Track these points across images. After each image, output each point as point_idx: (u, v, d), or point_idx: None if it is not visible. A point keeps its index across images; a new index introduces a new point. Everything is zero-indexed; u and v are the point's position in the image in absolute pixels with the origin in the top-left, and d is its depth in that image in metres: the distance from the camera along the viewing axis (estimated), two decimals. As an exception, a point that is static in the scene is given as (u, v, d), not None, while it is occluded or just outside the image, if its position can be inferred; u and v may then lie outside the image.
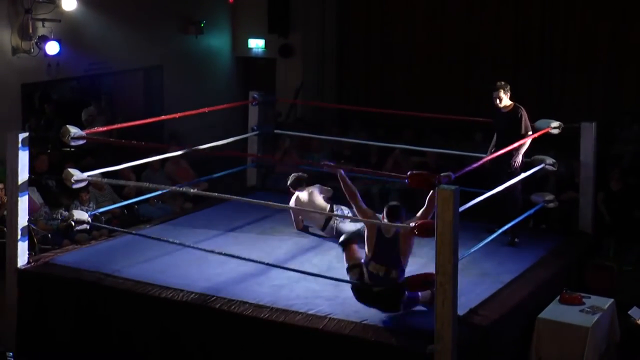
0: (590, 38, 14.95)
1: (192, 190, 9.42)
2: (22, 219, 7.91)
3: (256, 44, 16.99)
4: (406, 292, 6.87)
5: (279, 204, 8.68)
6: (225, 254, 7.69)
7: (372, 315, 6.88)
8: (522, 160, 8.76)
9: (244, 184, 11.14)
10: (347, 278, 7.13)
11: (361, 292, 6.99)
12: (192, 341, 7.22)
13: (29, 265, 7.98)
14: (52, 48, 12.46)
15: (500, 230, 8.01)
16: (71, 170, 8.11)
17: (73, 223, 8.18)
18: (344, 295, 7.25)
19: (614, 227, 11.04)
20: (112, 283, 7.62)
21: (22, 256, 7.96)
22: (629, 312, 8.29)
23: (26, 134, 7.86)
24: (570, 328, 7.47)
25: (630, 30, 14.62)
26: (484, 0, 15.74)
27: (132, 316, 7.50)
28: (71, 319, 7.74)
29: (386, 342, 6.51)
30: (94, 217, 8.79)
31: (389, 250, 6.92)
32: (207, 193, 9.05)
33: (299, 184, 9.16)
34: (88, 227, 8.80)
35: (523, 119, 8.69)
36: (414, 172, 6.68)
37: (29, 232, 8.12)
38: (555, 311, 7.68)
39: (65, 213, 10.00)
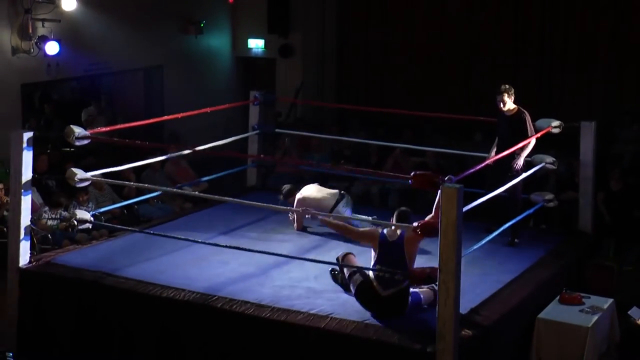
0: (590, 38, 14.96)
1: (193, 192, 9.44)
2: (25, 219, 7.92)
3: (256, 44, 16.99)
4: (410, 299, 6.89)
5: (285, 207, 8.87)
6: (234, 247, 7.79)
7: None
8: (523, 163, 8.75)
9: (244, 184, 11.16)
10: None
11: (367, 297, 6.97)
12: (194, 340, 7.23)
13: (30, 265, 7.99)
14: (52, 48, 12.46)
15: (498, 231, 8.00)
16: (74, 170, 8.12)
17: (75, 222, 8.17)
18: (345, 295, 7.28)
19: (614, 227, 11.05)
20: (113, 283, 7.63)
21: (24, 256, 7.97)
22: (629, 312, 8.30)
23: (31, 134, 7.86)
24: (570, 328, 7.48)
25: (630, 30, 14.64)
26: (484, 0, 15.76)
27: (133, 316, 7.50)
28: (72, 319, 7.74)
29: (387, 341, 6.52)
30: (94, 217, 8.78)
31: (394, 254, 6.92)
32: (206, 195, 9.08)
33: (291, 194, 9.26)
34: (90, 227, 8.80)
35: (527, 123, 8.67)
36: (418, 172, 6.70)
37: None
38: (555, 311, 7.70)
39: (65, 213, 10.00)
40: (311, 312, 6.94)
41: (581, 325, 7.47)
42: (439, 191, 6.34)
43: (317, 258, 7.73)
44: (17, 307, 7.94)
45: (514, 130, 8.62)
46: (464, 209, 6.41)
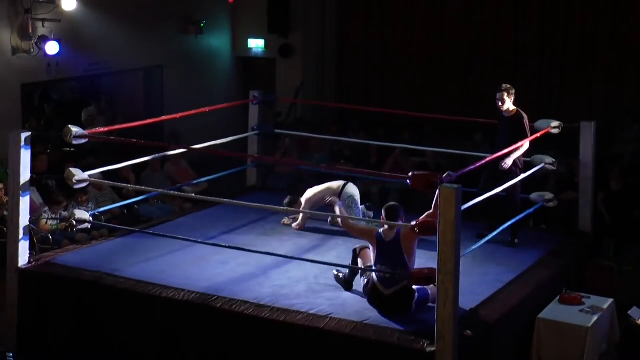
0: (590, 38, 14.98)
1: (190, 194, 9.46)
2: (24, 219, 7.91)
3: (256, 44, 16.99)
4: (417, 295, 6.90)
5: (289, 209, 8.91)
6: (233, 247, 7.81)
7: (373, 314, 6.88)
8: (521, 163, 8.72)
9: (244, 184, 11.15)
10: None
11: (373, 296, 7.03)
12: (193, 340, 7.22)
13: (29, 265, 7.98)
14: (52, 48, 12.47)
15: (493, 234, 7.97)
16: (73, 170, 8.12)
17: (74, 222, 8.17)
18: (345, 295, 7.28)
19: (614, 227, 11.05)
20: (113, 283, 7.62)
21: (24, 256, 7.96)
22: (629, 312, 8.30)
23: (29, 133, 7.85)
24: (570, 328, 7.47)
25: (630, 30, 14.65)
26: (484, 0, 15.76)
27: (132, 316, 7.50)
28: (72, 319, 7.74)
29: (387, 341, 6.51)
30: (94, 217, 8.78)
31: (392, 252, 6.93)
32: (205, 197, 9.08)
33: (294, 203, 9.23)
34: (89, 227, 8.80)
35: (525, 125, 8.63)
36: (416, 173, 6.68)
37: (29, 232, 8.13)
38: (555, 311, 7.69)
39: (65, 213, 10.00)
40: (311, 312, 6.93)
41: (581, 325, 7.46)
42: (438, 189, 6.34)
43: (317, 258, 7.73)
44: (16, 307, 7.93)
45: (512, 132, 8.59)
46: (463, 208, 6.40)
